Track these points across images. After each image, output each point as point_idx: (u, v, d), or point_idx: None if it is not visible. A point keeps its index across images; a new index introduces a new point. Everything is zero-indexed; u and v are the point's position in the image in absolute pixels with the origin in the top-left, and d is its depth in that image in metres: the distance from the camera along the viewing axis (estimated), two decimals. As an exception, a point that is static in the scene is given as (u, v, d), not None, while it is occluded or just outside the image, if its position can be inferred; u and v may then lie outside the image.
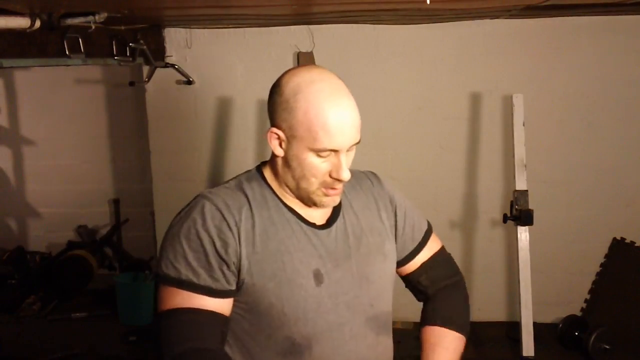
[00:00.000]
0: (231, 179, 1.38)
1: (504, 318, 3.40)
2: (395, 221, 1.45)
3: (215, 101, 3.34)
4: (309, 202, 1.31)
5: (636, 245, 3.27)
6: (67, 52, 2.56)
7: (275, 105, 1.28)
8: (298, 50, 3.27)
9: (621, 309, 3.19)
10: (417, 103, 3.30)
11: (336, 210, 1.37)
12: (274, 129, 1.27)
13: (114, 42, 2.89)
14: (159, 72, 3.25)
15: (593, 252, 3.36)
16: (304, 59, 3.25)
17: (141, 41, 3.02)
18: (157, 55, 3.21)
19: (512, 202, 2.96)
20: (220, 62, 3.32)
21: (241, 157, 3.35)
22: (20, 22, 2.20)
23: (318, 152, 1.23)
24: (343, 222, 1.36)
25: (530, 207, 2.91)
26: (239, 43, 3.29)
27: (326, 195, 1.29)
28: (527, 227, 2.93)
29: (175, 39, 3.29)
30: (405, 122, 3.32)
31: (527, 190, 2.93)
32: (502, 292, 3.42)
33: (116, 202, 4.12)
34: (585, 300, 3.38)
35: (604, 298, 3.31)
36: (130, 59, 2.97)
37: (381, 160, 3.35)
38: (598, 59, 3.21)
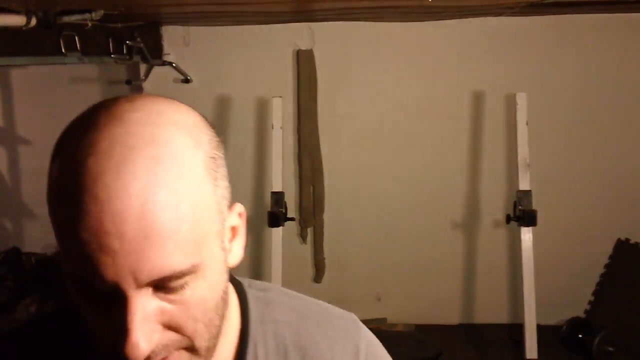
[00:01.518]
0: None
1: (507, 320, 3.36)
2: None
3: (214, 100, 3.30)
4: None
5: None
6: (63, 50, 2.52)
7: None
8: (298, 48, 3.22)
9: (625, 310, 3.15)
10: (418, 102, 3.26)
11: None
12: None
13: (110, 40, 2.85)
14: (156, 70, 3.20)
15: (597, 253, 3.32)
16: (304, 58, 3.20)
17: (138, 39, 2.98)
18: (154, 53, 3.16)
19: (515, 202, 2.91)
20: (219, 61, 3.27)
21: (240, 156, 3.31)
22: (16, 20, 2.16)
23: (78, 289, 0.61)
24: None
25: (534, 207, 2.87)
26: (238, 41, 3.24)
27: None
28: (530, 228, 2.89)
29: (172, 36, 3.23)
30: (407, 121, 3.28)
31: (530, 191, 2.89)
32: (505, 294, 3.37)
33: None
34: (589, 302, 3.34)
35: (608, 300, 3.27)
36: (127, 57, 2.92)
37: (382, 160, 3.31)
38: (603, 57, 3.17)
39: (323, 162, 3.29)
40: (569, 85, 3.21)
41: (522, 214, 2.87)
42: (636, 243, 3.24)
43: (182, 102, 0.70)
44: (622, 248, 3.28)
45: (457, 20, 3.13)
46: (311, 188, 3.31)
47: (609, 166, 3.25)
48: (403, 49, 3.23)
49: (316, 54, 3.21)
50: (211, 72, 3.27)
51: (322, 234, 3.36)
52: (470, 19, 3.12)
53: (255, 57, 3.25)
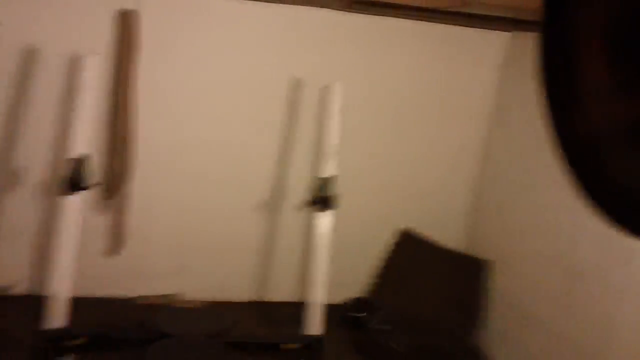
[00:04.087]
0: None
1: (299, 299, 3.58)
2: None
3: (19, 49, 3.03)
4: None
5: (421, 236, 3.63)
6: None
7: None
8: (121, 7, 3.07)
9: (403, 293, 3.53)
10: (239, 81, 3.30)
11: None
12: None
13: None
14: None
15: (385, 239, 3.66)
16: (127, 18, 3.07)
17: None
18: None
19: (316, 187, 3.11)
20: (30, 6, 3.01)
21: (45, 115, 3.09)
22: None
23: None
24: None
25: (335, 192, 3.08)
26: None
27: None
28: (328, 213, 3.10)
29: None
30: (225, 99, 3.31)
31: (331, 177, 3.10)
32: (299, 274, 3.59)
33: None
34: (372, 284, 3.68)
35: (389, 283, 3.64)
36: None
37: (197, 134, 3.32)
38: (413, 60, 3.47)
39: (136, 130, 3.21)
40: (381, 83, 3.46)
41: (320, 199, 3.07)
42: (418, 233, 3.64)
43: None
44: (406, 236, 3.67)
45: (288, 6, 3.22)
46: (120, 155, 3.21)
47: (406, 160, 3.59)
48: (231, 25, 3.24)
49: (142, 16, 3.10)
50: (20, 19, 3.00)
51: (125, 204, 3.28)
52: (300, 6, 3.23)
53: (74, 10, 3.04)
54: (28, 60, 3.05)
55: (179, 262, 3.45)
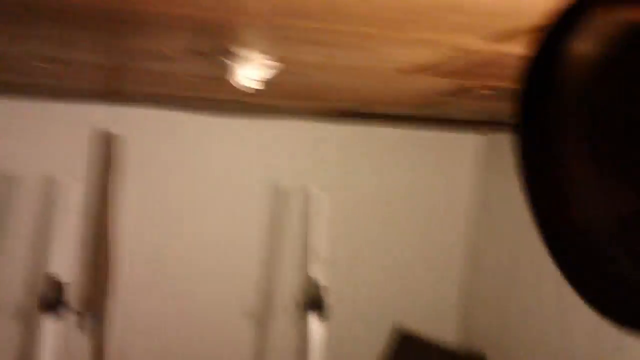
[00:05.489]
0: None
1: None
2: None
3: None
4: None
5: (417, 335, 3.55)
6: None
7: None
8: (102, 129, 3.11)
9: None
10: (221, 193, 3.33)
11: None
12: None
13: None
14: None
15: (380, 338, 3.58)
16: (107, 140, 3.10)
17: None
18: None
19: (306, 291, 3.06)
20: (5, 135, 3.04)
21: (18, 237, 3.04)
22: None
23: None
24: None
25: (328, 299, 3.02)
26: (31, 117, 3.06)
27: None
28: (320, 320, 3.01)
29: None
30: (208, 210, 3.32)
31: (323, 286, 3.05)
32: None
33: None
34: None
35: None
36: None
37: (179, 247, 3.28)
38: (396, 165, 3.55)
39: (118, 246, 3.16)
40: (369, 190, 3.51)
41: (312, 304, 3.01)
42: (411, 333, 3.55)
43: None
44: (401, 337, 3.57)
45: (275, 120, 3.31)
46: (102, 274, 3.13)
47: (398, 261, 3.56)
48: (215, 138, 3.31)
49: (123, 137, 3.14)
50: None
51: (105, 326, 3.16)
52: (283, 120, 3.33)
53: (48, 136, 3.09)
54: (3, 184, 3.05)
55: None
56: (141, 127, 3.20)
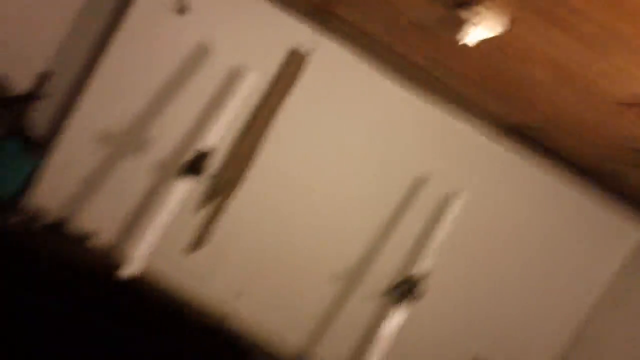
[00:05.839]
0: None
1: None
2: None
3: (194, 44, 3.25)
4: None
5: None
6: None
7: None
8: (295, 47, 3.23)
9: None
10: (367, 165, 3.39)
11: None
12: None
13: None
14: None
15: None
16: (296, 59, 3.21)
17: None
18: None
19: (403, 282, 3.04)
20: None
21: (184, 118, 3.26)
22: None
23: None
24: None
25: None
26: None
27: None
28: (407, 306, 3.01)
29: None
30: (343, 172, 3.40)
31: (424, 273, 3.02)
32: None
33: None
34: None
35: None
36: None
37: (303, 184, 3.36)
38: (545, 214, 3.43)
39: (260, 152, 3.30)
40: (505, 220, 3.42)
41: (403, 294, 3.00)
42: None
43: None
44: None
45: (440, 109, 3.30)
46: (236, 171, 3.29)
47: (499, 299, 3.46)
48: (381, 107, 3.35)
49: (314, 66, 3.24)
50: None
51: (220, 213, 3.32)
52: (450, 115, 3.30)
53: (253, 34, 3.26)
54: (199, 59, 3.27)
55: (239, 283, 3.42)
56: (331, 64, 3.27)
